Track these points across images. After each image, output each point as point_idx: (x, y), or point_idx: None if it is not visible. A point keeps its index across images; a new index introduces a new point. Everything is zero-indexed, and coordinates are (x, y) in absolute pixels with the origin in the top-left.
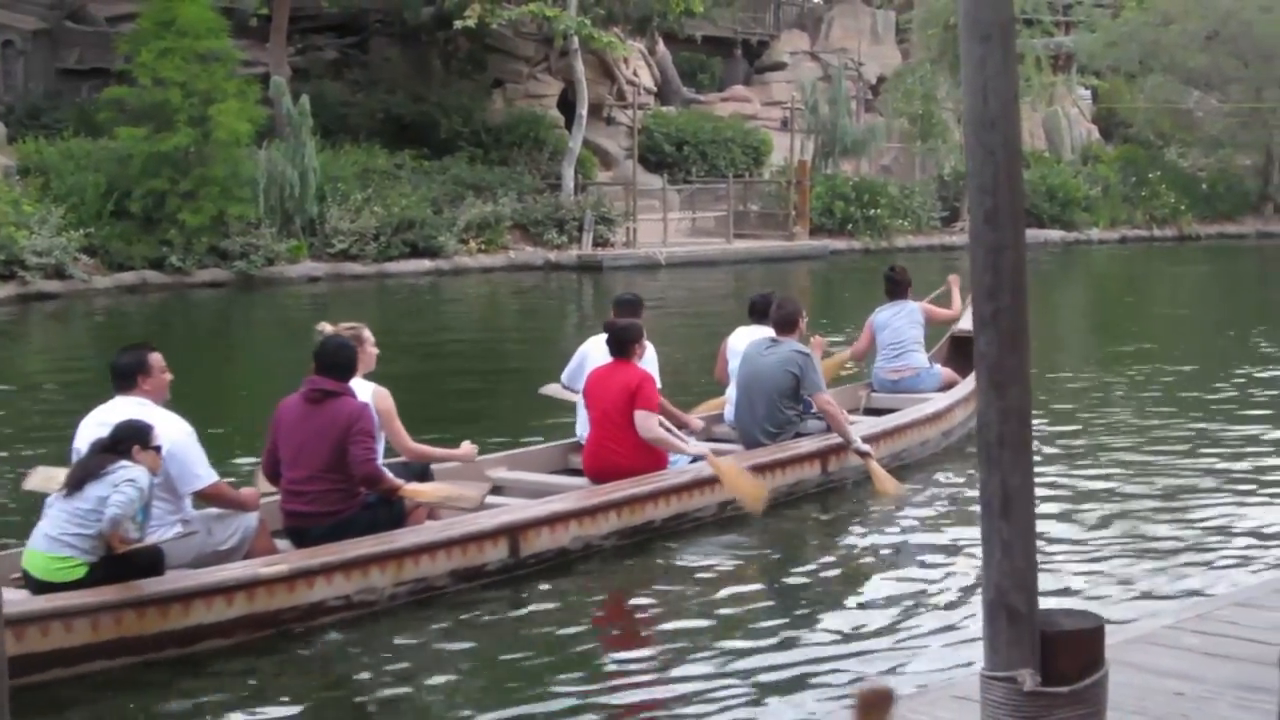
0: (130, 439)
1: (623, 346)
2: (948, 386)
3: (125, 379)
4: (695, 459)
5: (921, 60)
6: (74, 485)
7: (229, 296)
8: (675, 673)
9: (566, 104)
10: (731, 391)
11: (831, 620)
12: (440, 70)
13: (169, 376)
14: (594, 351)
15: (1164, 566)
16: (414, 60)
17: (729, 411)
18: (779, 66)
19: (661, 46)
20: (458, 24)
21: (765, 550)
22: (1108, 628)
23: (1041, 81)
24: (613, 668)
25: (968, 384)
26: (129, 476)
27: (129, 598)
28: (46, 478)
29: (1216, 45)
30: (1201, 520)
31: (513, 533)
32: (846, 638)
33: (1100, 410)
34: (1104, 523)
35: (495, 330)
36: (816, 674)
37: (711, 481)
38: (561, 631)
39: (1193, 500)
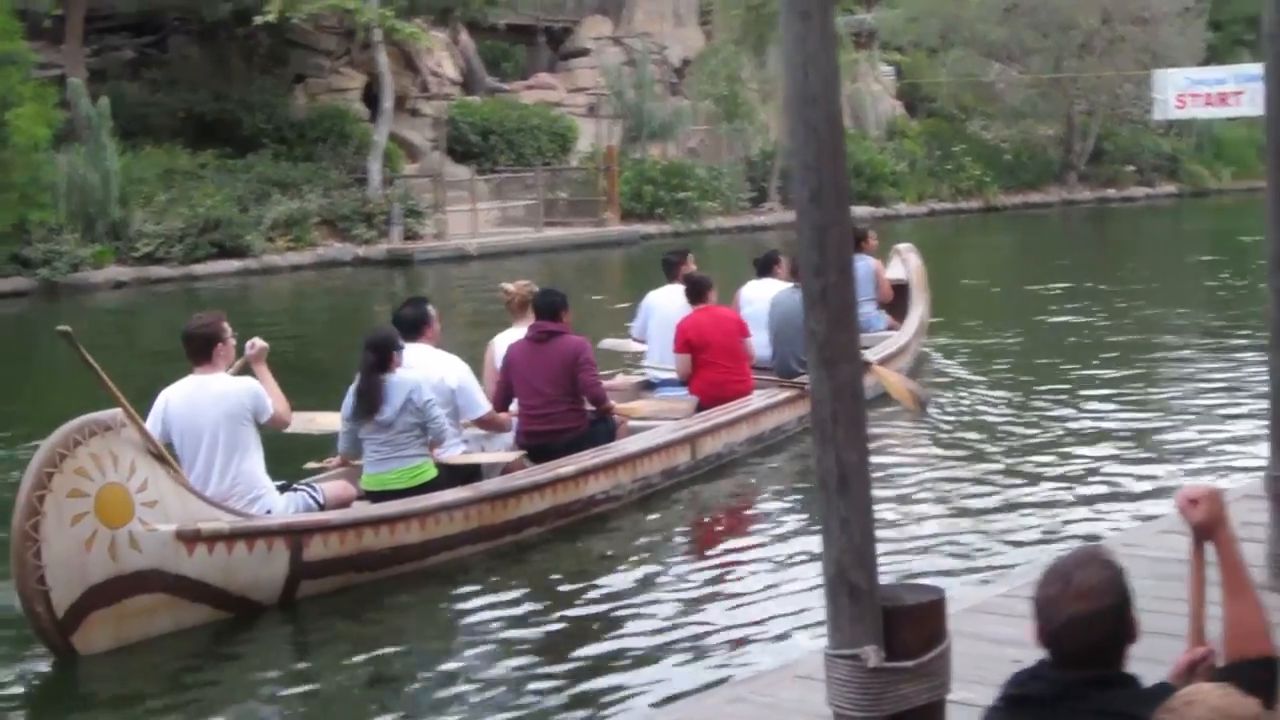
0: (392, 347)
1: (701, 294)
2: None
3: (412, 329)
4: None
5: (725, 42)
6: (370, 411)
7: (31, 305)
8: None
9: (371, 97)
10: (761, 336)
11: (669, 604)
12: (241, 67)
13: (439, 325)
14: (661, 302)
15: (1000, 536)
16: (214, 57)
17: (766, 351)
18: (583, 53)
19: (465, 36)
20: (258, 19)
21: (621, 538)
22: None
23: (845, 59)
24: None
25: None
26: (427, 399)
27: (483, 494)
28: (307, 420)
29: (1016, 17)
30: (1035, 489)
31: (693, 440)
32: (683, 622)
33: (928, 383)
34: (939, 495)
35: (309, 328)
36: (648, 660)
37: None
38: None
39: (1026, 470)
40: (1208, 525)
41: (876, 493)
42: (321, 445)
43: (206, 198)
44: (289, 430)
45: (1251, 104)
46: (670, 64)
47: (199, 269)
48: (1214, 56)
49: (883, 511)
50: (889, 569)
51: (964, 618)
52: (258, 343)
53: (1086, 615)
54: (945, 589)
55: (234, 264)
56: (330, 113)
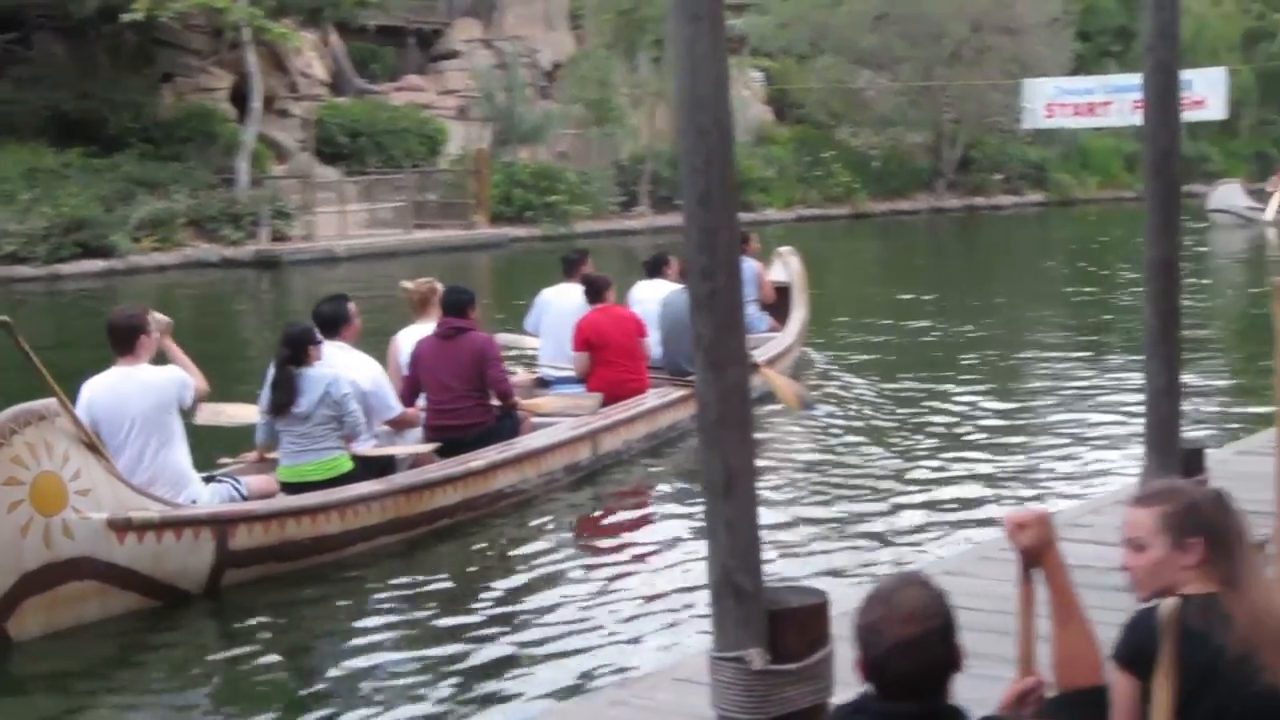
0: (307, 342)
1: (600, 293)
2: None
3: (330, 326)
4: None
5: (596, 46)
6: (286, 404)
7: None
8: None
9: (239, 97)
10: (655, 334)
11: (557, 607)
12: (107, 65)
13: (359, 323)
14: (555, 300)
15: (881, 539)
16: (80, 55)
17: (657, 351)
18: (453, 55)
19: (334, 37)
20: (125, 17)
21: (521, 534)
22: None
23: None
24: None
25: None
26: (344, 392)
27: (399, 486)
28: (215, 412)
29: (885, 26)
30: (913, 492)
31: (594, 437)
32: (569, 625)
33: (808, 385)
34: (824, 498)
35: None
36: (539, 660)
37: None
38: None
39: (905, 473)
40: (1036, 550)
41: (760, 495)
42: (233, 437)
43: (71, 197)
44: (198, 422)
45: (1120, 114)
46: (541, 67)
47: (63, 269)
48: (1081, 67)
49: (766, 513)
50: (771, 571)
51: (845, 621)
52: (161, 318)
53: (913, 639)
54: (830, 592)
55: (99, 264)
56: (198, 112)
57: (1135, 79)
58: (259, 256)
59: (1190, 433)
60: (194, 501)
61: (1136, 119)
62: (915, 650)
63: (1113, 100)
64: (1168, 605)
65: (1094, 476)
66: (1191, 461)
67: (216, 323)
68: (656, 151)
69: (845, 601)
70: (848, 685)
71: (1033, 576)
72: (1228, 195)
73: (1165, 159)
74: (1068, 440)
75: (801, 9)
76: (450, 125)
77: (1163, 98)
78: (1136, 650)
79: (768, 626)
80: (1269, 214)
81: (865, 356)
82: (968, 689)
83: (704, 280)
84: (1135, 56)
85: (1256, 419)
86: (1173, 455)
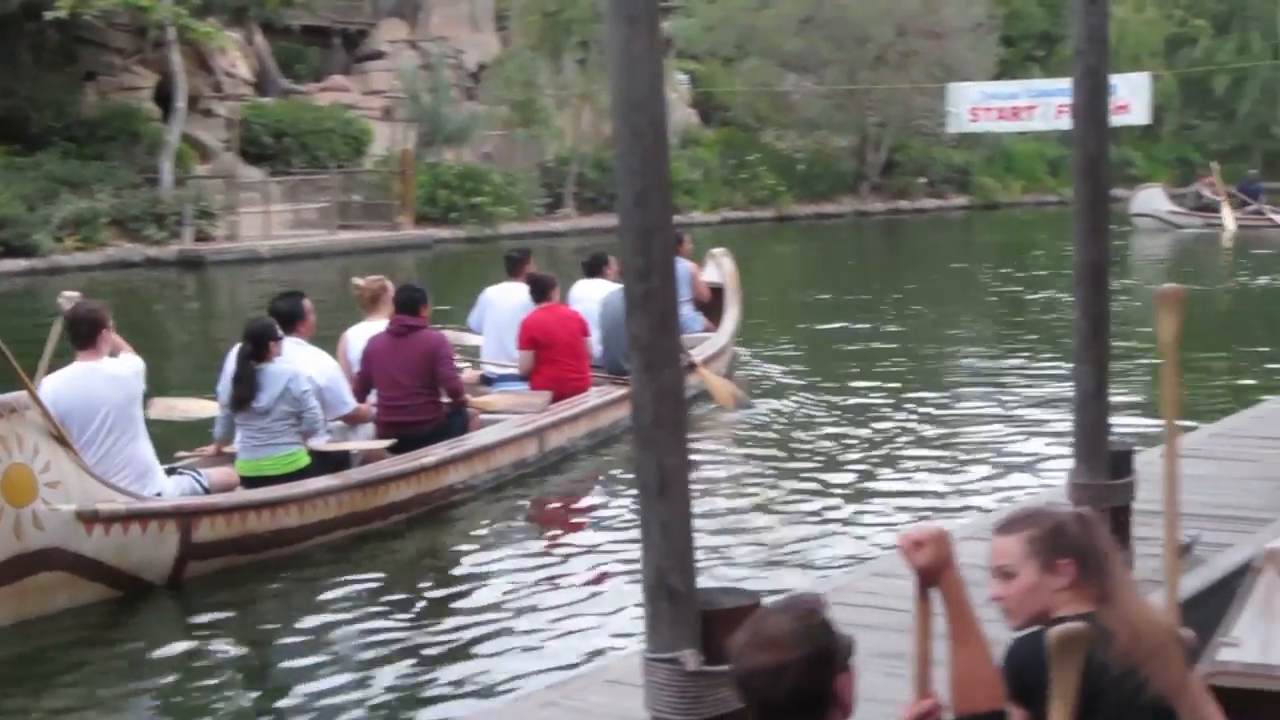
0: (269, 337)
1: (545, 292)
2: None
3: (285, 323)
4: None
5: (521, 47)
6: (246, 399)
7: None
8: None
9: (163, 96)
10: (596, 333)
11: (493, 607)
12: (30, 63)
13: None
14: (498, 298)
15: (814, 539)
16: (2, 53)
17: (598, 350)
18: (378, 55)
19: (259, 37)
20: (48, 15)
21: (467, 531)
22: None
23: None
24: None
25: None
26: (304, 389)
27: (356, 481)
28: (167, 407)
29: (811, 29)
30: (847, 493)
31: (541, 434)
32: (504, 625)
33: (741, 384)
34: (758, 499)
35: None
36: (474, 660)
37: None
38: None
39: (837, 474)
40: (933, 569)
41: (694, 495)
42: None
43: None
44: (151, 416)
45: (1044, 119)
46: (466, 68)
47: None
48: (1006, 71)
49: (701, 514)
50: (705, 570)
51: None
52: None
53: (766, 668)
54: (762, 593)
55: (20, 263)
56: (121, 111)
57: (1059, 84)
58: (183, 256)
59: (1118, 435)
60: (159, 494)
61: (1060, 123)
62: (768, 679)
63: (1037, 105)
64: (1063, 632)
65: (1023, 479)
66: (1120, 464)
67: (140, 322)
68: (582, 153)
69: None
70: None
71: (929, 596)
72: (1150, 200)
73: (1094, 163)
74: (997, 442)
75: (727, 12)
76: (375, 126)
77: (1092, 102)
78: (1020, 682)
79: (701, 627)
80: (1228, 221)
81: (794, 356)
82: (897, 689)
83: (639, 281)
84: (1059, 61)
85: (1183, 421)
86: (1101, 458)
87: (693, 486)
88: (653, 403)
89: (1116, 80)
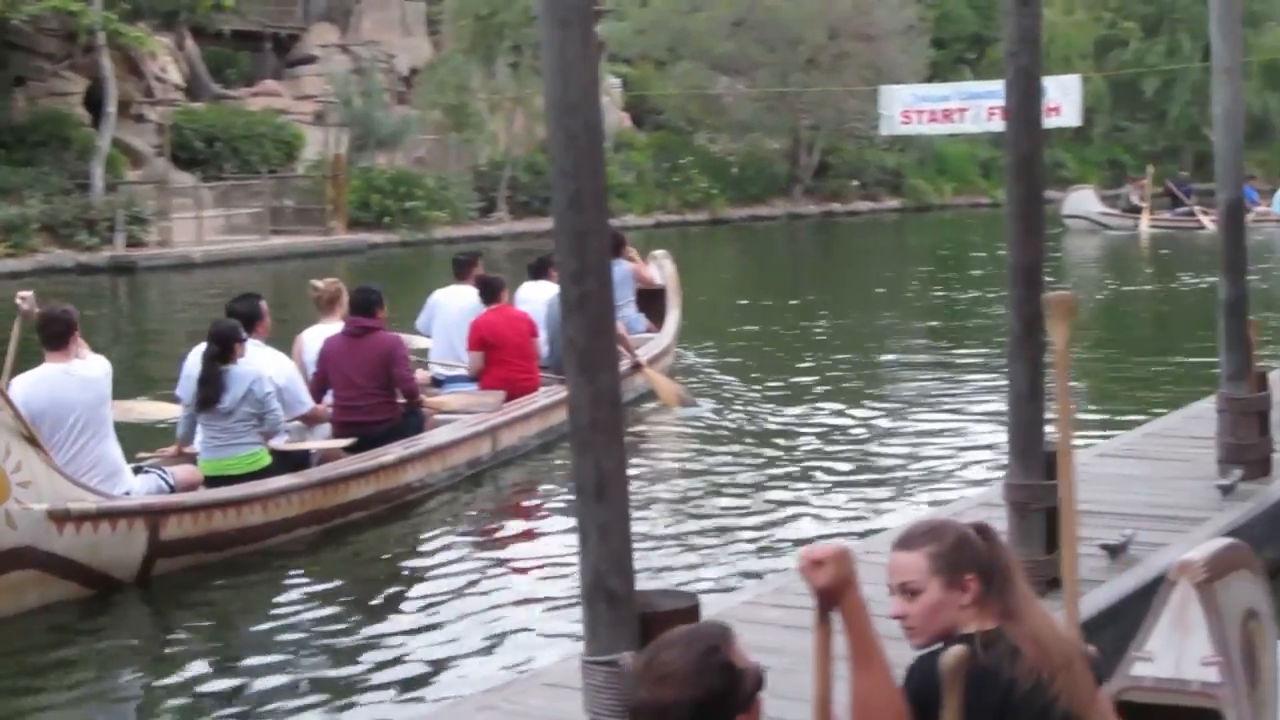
0: (234, 339)
1: (495, 294)
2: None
3: (246, 324)
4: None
5: (454, 52)
6: (212, 400)
7: None
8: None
9: (93, 102)
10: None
11: (434, 608)
12: None
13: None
14: (445, 301)
15: (753, 542)
16: None
17: (545, 350)
18: (310, 60)
19: (190, 42)
20: None
21: (408, 534)
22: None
23: None
24: None
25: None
26: (267, 390)
27: (317, 479)
28: (125, 409)
29: (743, 32)
30: (786, 494)
31: (494, 433)
32: (444, 628)
33: (688, 386)
34: (697, 500)
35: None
36: (412, 664)
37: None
38: None
39: (779, 476)
40: (834, 590)
41: (634, 497)
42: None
43: None
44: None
45: (975, 121)
46: (398, 73)
47: None
48: (937, 74)
49: (639, 516)
50: (644, 571)
51: None
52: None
53: (654, 706)
54: (699, 595)
55: None
56: (51, 116)
57: (990, 86)
58: (114, 262)
59: (1052, 435)
60: (128, 493)
61: (992, 126)
62: (654, 718)
63: (968, 106)
64: (951, 656)
65: (958, 480)
66: (1055, 464)
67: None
68: (515, 157)
69: (717, 605)
70: None
71: (830, 617)
72: (1082, 201)
73: (1027, 164)
74: (932, 443)
75: (659, 15)
76: (307, 131)
77: (1025, 103)
78: (922, 703)
79: (640, 630)
80: (1143, 225)
81: (731, 358)
82: (836, 692)
83: (574, 284)
84: (989, 64)
85: (1115, 423)
86: (1036, 458)
87: (633, 488)
88: (589, 405)
89: (1047, 82)
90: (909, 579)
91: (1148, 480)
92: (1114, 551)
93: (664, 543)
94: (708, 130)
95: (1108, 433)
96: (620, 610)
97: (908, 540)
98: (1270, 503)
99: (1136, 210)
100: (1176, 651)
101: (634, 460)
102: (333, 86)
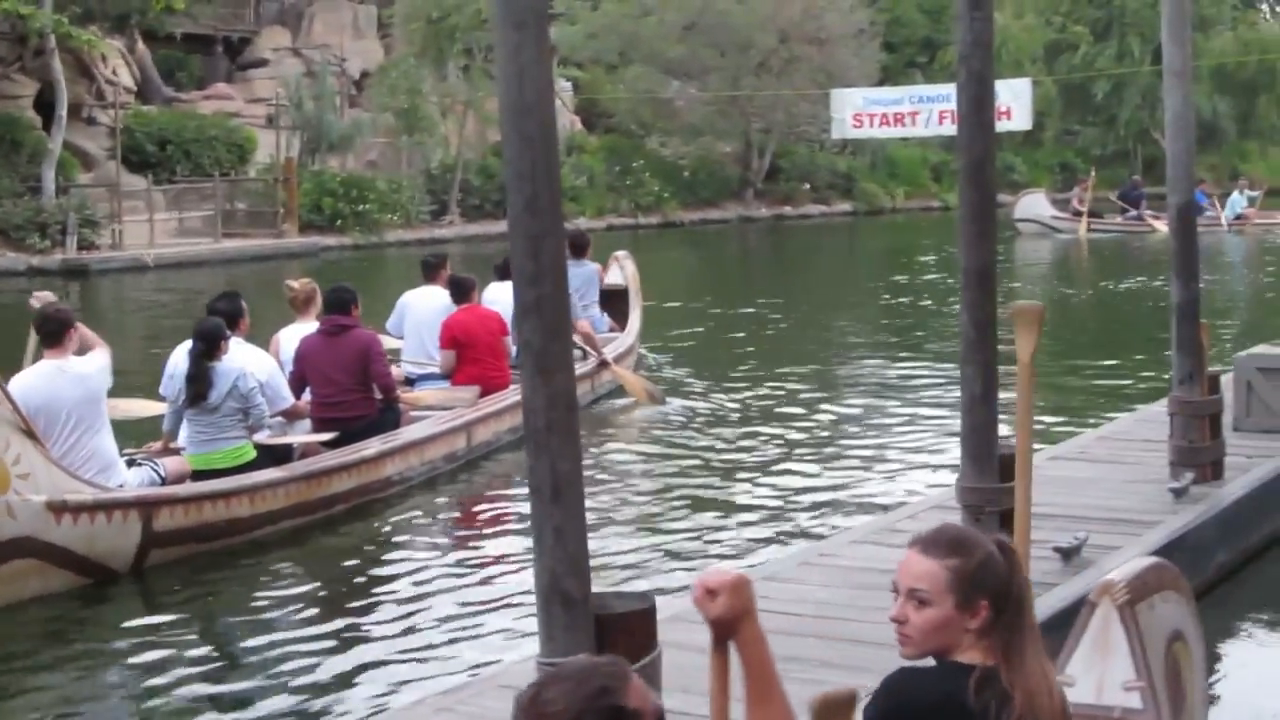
0: (219, 337)
1: (466, 294)
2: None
3: (228, 323)
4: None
5: (405, 55)
6: (199, 396)
7: None
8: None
9: (44, 104)
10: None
11: (386, 616)
12: None
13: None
14: (416, 302)
15: (710, 543)
16: None
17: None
18: (261, 63)
19: (141, 45)
20: None
21: (374, 531)
22: None
23: None
24: None
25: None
26: (251, 386)
27: (302, 472)
28: (110, 406)
29: (694, 35)
30: (742, 495)
31: (469, 428)
32: (401, 629)
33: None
34: (654, 501)
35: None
36: (369, 667)
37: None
38: None
39: (736, 477)
40: (729, 621)
41: (590, 499)
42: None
43: None
44: None
45: (926, 125)
46: (350, 76)
47: None
48: (888, 78)
49: (595, 517)
50: (600, 573)
51: (666, 627)
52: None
53: None
54: (655, 597)
55: None
56: (2, 120)
57: (942, 89)
58: (66, 265)
59: (1005, 438)
60: (122, 485)
61: (943, 129)
62: None
63: (920, 110)
64: (832, 697)
65: (913, 481)
66: (1009, 466)
67: (26, 333)
68: (466, 160)
69: (672, 607)
70: (674, 690)
71: (726, 649)
72: (1033, 205)
73: (980, 168)
74: (886, 445)
75: (610, 19)
76: (259, 134)
77: (977, 107)
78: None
79: (595, 632)
80: (1081, 231)
81: (687, 359)
82: (792, 694)
83: (530, 286)
84: (940, 68)
85: (1067, 425)
86: (989, 460)
87: (589, 489)
88: (545, 408)
89: (998, 86)
90: (921, 587)
91: (1100, 483)
92: (1067, 554)
93: (620, 543)
94: (659, 134)
95: (1060, 435)
96: (576, 612)
97: (931, 545)
98: (1222, 506)
99: (1079, 214)
100: (1098, 676)
101: (590, 460)
102: (284, 90)
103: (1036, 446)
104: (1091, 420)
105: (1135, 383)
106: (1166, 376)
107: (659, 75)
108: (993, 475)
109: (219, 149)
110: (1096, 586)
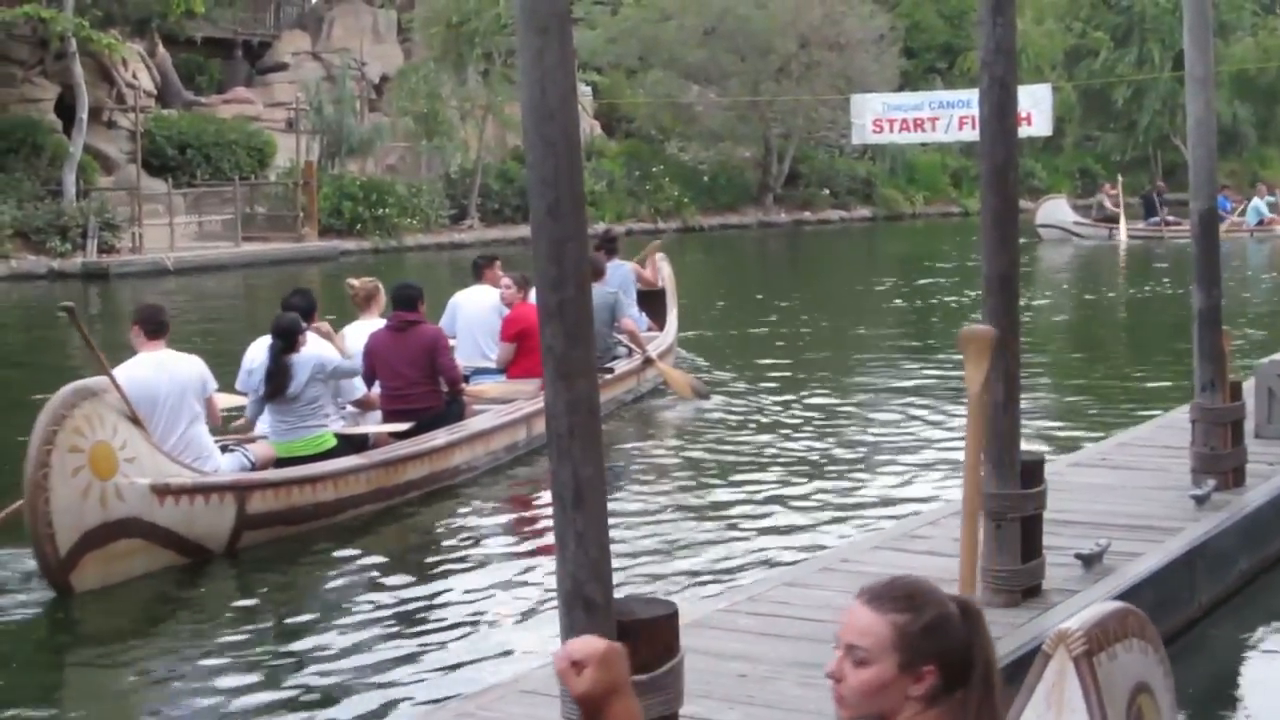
0: (296, 331)
1: (529, 287)
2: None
3: (305, 315)
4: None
5: (425, 59)
6: (280, 389)
7: None
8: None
9: (64, 108)
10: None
11: (412, 618)
12: None
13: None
14: (466, 302)
15: (731, 549)
16: None
17: None
18: (281, 67)
19: (161, 48)
20: None
21: (371, 544)
22: None
23: None
24: None
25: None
26: (329, 363)
27: (381, 459)
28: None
29: (714, 40)
30: (765, 501)
31: (529, 420)
32: (426, 634)
33: (662, 398)
34: (677, 506)
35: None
36: (390, 673)
37: None
38: None
39: (751, 482)
40: (597, 698)
41: (613, 503)
42: None
43: None
44: None
45: (946, 130)
46: (370, 80)
47: None
48: (908, 83)
49: (618, 522)
50: (622, 581)
51: (687, 633)
52: None
53: None
54: (677, 603)
55: None
56: (23, 123)
57: (961, 95)
58: (87, 269)
59: (1027, 445)
60: (217, 469)
61: (963, 135)
62: None
63: (940, 116)
64: None
65: (934, 489)
66: (1030, 473)
67: (47, 335)
68: (486, 165)
69: (695, 613)
70: (695, 697)
71: None
72: (1054, 211)
73: (1002, 174)
74: (908, 451)
75: (630, 24)
76: (278, 138)
77: (999, 113)
78: None
79: (617, 637)
80: (1120, 234)
81: (711, 363)
82: (813, 700)
83: (553, 291)
84: (960, 73)
85: (1088, 432)
86: (1012, 467)
87: (612, 493)
88: (566, 413)
89: (1019, 92)
90: (860, 644)
91: (1121, 490)
92: (1089, 561)
93: (642, 549)
94: (679, 138)
95: (1081, 441)
96: (598, 618)
97: (878, 598)
98: (1244, 513)
99: (1110, 219)
100: None
101: (622, 460)
102: (304, 94)
103: (1057, 455)
104: (1113, 426)
105: (1157, 388)
106: (1189, 383)
107: (679, 80)
108: (1014, 482)
109: (239, 153)
110: (1051, 636)
